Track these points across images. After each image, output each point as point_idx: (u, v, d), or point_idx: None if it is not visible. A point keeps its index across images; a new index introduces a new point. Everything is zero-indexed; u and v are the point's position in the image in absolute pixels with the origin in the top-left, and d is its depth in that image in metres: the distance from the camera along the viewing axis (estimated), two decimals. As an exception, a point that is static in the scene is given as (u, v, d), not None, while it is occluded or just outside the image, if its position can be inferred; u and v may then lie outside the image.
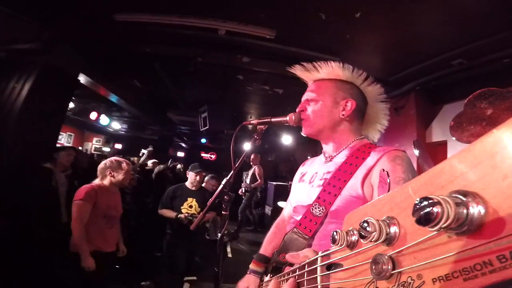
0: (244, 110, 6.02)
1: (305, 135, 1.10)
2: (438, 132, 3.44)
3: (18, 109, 2.77)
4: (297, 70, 1.15)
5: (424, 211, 0.26)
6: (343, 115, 1.03)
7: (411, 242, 0.31)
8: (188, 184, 3.29)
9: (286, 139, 7.03)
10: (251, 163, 6.25)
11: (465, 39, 2.39)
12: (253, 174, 6.11)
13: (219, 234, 1.25)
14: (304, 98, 1.12)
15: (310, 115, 1.06)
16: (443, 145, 3.33)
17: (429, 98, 3.59)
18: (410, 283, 0.31)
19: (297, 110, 1.11)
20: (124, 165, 2.36)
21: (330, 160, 1.04)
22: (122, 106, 6.20)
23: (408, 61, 3.03)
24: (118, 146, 11.59)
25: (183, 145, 12.55)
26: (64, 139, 8.83)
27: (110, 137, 11.67)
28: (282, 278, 0.79)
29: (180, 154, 13.12)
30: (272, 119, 1.15)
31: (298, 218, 0.97)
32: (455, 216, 0.25)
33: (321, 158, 1.14)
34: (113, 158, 2.40)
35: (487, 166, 0.25)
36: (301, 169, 1.25)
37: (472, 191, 0.25)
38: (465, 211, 0.25)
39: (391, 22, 2.34)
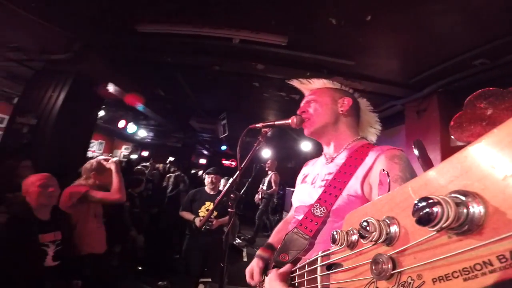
0: (262, 116, 6.08)
1: (307, 135, 1.15)
2: (463, 136, 3.24)
3: (55, 117, 3.01)
4: (295, 83, 1.25)
5: (424, 211, 0.26)
6: (341, 110, 1.09)
7: (411, 242, 0.31)
8: (207, 188, 3.38)
9: (306, 146, 6.96)
10: (268, 169, 6.26)
11: (486, 38, 2.26)
12: (270, 180, 6.12)
13: (226, 231, 1.30)
14: (304, 101, 1.19)
15: (312, 114, 1.12)
16: (469, 149, 3.12)
17: (453, 101, 3.40)
18: (410, 283, 0.31)
19: (298, 112, 1.17)
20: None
21: (331, 161, 1.07)
22: (148, 115, 6.54)
23: (427, 62, 2.92)
24: (145, 153, 12.14)
25: (205, 152, 12.87)
26: (96, 147, 9.41)
27: (138, 145, 12.28)
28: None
29: (202, 161, 13.45)
30: (276, 122, 1.20)
31: (300, 218, 0.99)
32: (455, 216, 0.25)
33: (322, 159, 1.17)
34: (100, 158, 2.43)
35: (487, 166, 0.25)
36: (303, 171, 1.29)
37: (472, 191, 0.25)
38: (465, 211, 0.25)
39: (405, 23, 2.28)
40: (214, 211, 3.14)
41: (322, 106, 1.11)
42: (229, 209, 1.30)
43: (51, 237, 1.83)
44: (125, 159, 9.10)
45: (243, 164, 1.27)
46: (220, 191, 3.45)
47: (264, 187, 6.19)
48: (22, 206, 1.79)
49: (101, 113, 3.78)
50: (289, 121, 1.13)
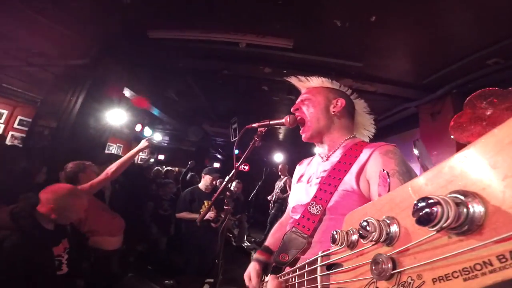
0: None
1: (305, 141, 1.16)
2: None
3: (73, 120, 3.14)
4: (293, 80, 1.27)
5: (424, 211, 0.26)
6: (334, 111, 1.10)
7: (411, 242, 0.31)
8: (201, 187, 3.40)
9: (318, 149, 6.88)
10: (280, 174, 6.23)
11: (499, 36, 2.17)
12: (284, 185, 6.09)
13: (223, 228, 1.32)
14: (299, 100, 1.20)
15: (305, 113, 1.13)
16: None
17: (468, 102, 3.26)
18: (410, 283, 0.30)
19: (291, 109, 1.19)
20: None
21: (326, 160, 1.09)
22: (163, 119, 6.68)
23: (439, 62, 2.83)
24: (161, 157, 12.38)
25: (219, 156, 12.96)
26: (114, 150, 9.71)
27: (154, 149, 12.52)
28: (282, 279, 0.81)
29: (216, 165, 13.55)
30: (271, 122, 1.22)
31: (297, 217, 1.00)
32: (455, 216, 0.25)
33: (317, 158, 1.19)
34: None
35: (487, 166, 0.25)
36: (298, 170, 1.30)
37: (472, 191, 0.26)
38: (465, 210, 0.25)
39: (413, 22, 2.24)
40: (216, 210, 3.14)
41: (315, 106, 1.12)
42: (225, 207, 1.32)
43: (61, 249, 1.77)
44: (141, 163, 9.32)
45: (239, 163, 1.31)
46: (214, 189, 3.43)
47: (279, 191, 6.16)
48: (30, 219, 1.58)
49: (123, 119, 3.87)
50: (283, 120, 1.15)
